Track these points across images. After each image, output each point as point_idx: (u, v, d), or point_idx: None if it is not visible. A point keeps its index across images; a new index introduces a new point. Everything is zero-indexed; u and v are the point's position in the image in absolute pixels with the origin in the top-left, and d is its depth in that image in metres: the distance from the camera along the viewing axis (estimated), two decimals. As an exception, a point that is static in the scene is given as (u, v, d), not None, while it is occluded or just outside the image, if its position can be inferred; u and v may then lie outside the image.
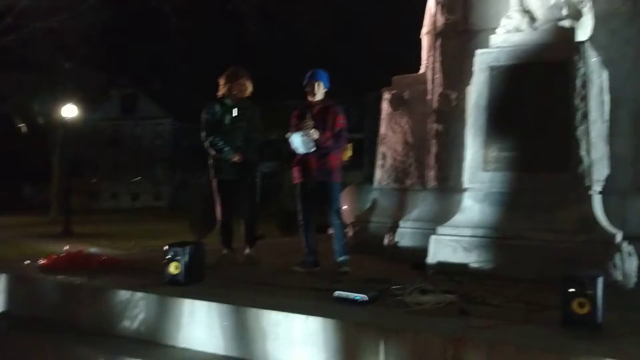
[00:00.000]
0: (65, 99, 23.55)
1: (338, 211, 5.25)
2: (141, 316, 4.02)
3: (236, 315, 3.70)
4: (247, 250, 5.73)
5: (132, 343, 3.96)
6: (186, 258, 4.35)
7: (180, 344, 3.87)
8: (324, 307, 3.69)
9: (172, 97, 47.13)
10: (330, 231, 5.54)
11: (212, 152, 5.64)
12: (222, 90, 5.71)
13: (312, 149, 5.09)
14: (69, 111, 23.26)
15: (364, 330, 3.33)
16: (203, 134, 5.65)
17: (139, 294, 4.09)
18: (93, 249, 5.71)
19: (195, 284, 4.36)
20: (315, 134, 5.06)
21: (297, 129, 5.17)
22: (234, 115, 5.62)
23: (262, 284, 4.46)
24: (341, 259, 5.16)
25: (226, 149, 5.54)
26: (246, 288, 4.30)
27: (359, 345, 3.28)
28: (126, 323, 4.08)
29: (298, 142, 5.10)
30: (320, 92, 5.21)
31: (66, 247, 5.65)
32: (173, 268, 4.36)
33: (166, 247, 4.46)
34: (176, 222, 18.74)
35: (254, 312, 3.67)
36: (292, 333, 3.49)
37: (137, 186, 48.79)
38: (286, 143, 5.23)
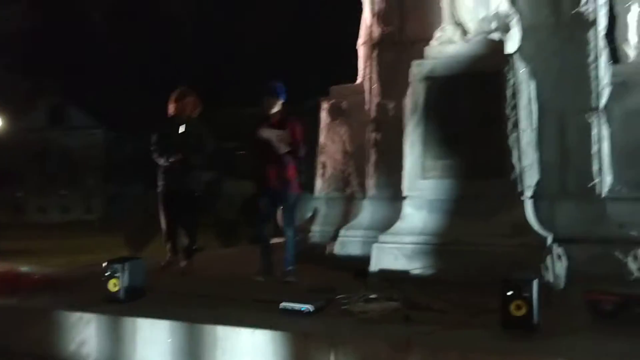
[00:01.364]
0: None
1: (293, 222, 5.38)
2: (79, 338, 3.87)
3: (182, 332, 3.63)
4: (183, 263, 5.94)
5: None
6: (126, 274, 4.23)
7: (122, 363, 3.76)
8: (270, 319, 3.68)
9: (104, 105, 45.70)
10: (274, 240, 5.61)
11: (160, 161, 5.93)
12: (171, 110, 6.02)
13: (284, 150, 5.19)
14: (-7, 122, 22.15)
15: (312, 341, 3.35)
16: (152, 149, 5.98)
17: (77, 314, 3.93)
18: (23, 268, 5.44)
19: (137, 300, 4.24)
20: (288, 137, 5.21)
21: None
22: (180, 131, 5.91)
23: (206, 297, 4.39)
24: (290, 268, 5.27)
25: (172, 155, 5.83)
26: (189, 302, 4.23)
27: (308, 355, 3.29)
28: (64, 345, 3.91)
29: (269, 136, 5.19)
30: (277, 105, 5.37)
31: (-6, 268, 5.37)
32: (112, 285, 4.23)
33: (105, 264, 4.32)
34: (109, 236, 18.15)
35: (200, 327, 3.62)
36: (240, 346, 3.47)
37: (66, 199, 46.94)
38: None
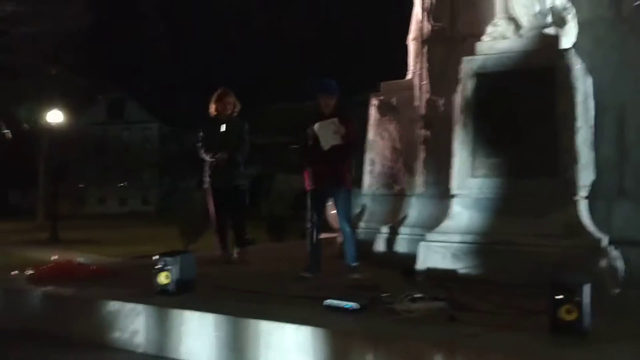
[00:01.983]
0: (51, 105, 23.40)
1: (349, 218, 5.43)
2: (132, 327, 4.01)
3: (228, 325, 3.71)
4: (236, 252, 6.32)
5: (121, 354, 3.95)
6: (177, 268, 4.35)
7: (171, 354, 3.87)
8: (315, 315, 3.71)
9: (159, 101, 46.97)
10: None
11: (207, 158, 6.28)
12: (212, 109, 6.38)
13: (335, 143, 5.16)
14: (55, 117, 23.12)
15: (353, 339, 3.35)
16: (199, 146, 6.35)
17: (130, 305, 4.07)
18: (81, 258, 5.67)
19: (186, 293, 4.35)
20: (342, 126, 5.16)
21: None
22: (222, 130, 6.25)
23: (254, 292, 4.46)
24: (354, 264, 5.32)
25: (216, 154, 6.19)
26: (237, 297, 4.30)
27: (349, 354, 3.30)
28: (116, 334, 4.07)
29: (324, 132, 5.18)
30: (331, 104, 5.38)
31: (54, 257, 5.62)
32: (163, 278, 4.35)
33: (156, 257, 4.45)
34: (164, 227, 18.66)
35: (245, 321, 3.68)
36: (284, 342, 3.50)
37: (124, 191, 48.52)
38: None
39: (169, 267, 4.33)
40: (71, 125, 30.65)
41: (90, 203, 48.11)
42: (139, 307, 4.04)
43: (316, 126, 5.25)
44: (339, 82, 5.53)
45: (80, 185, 47.35)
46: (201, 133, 6.38)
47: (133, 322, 4.02)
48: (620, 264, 4.77)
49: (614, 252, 4.75)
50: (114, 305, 4.14)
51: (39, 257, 11.39)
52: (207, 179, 6.33)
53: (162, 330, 3.93)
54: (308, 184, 5.45)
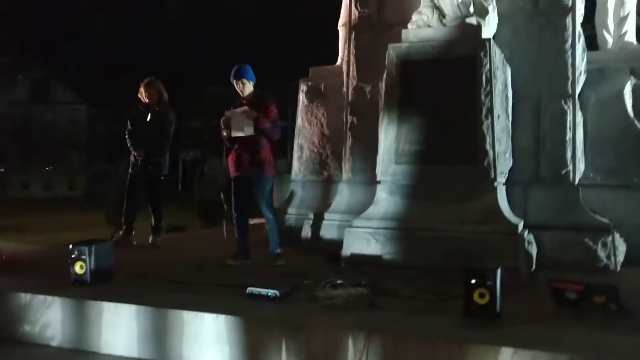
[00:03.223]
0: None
1: (270, 205, 5.39)
2: (43, 320, 3.83)
3: (146, 316, 3.61)
4: (151, 238, 6.51)
5: (34, 349, 3.77)
6: (92, 257, 4.19)
7: (89, 347, 3.72)
8: (236, 304, 3.67)
9: (87, 81, 45.06)
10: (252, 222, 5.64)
11: (131, 149, 6.52)
12: (140, 98, 6.52)
13: (251, 132, 5.14)
14: (-29, 96, 21.76)
15: (272, 327, 3.34)
16: (126, 137, 6.56)
17: (40, 297, 3.89)
18: (-6, 247, 5.38)
19: (103, 283, 4.21)
20: (253, 113, 5.15)
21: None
22: (147, 120, 6.40)
23: (175, 281, 4.37)
24: (277, 251, 5.34)
25: (137, 150, 6.42)
26: (157, 287, 4.20)
27: (268, 342, 3.29)
28: (27, 328, 3.88)
29: (237, 120, 5.15)
30: (247, 87, 5.36)
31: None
32: (78, 268, 4.19)
33: (71, 246, 4.27)
34: (91, 213, 18.02)
35: (164, 311, 3.59)
36: (203, 332, 3.45)
37: (49, 175, 46.50)
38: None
39: (83, 257, 4.16)
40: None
41: (12, 188, 45.82)
42: (51, 298, 3.86)
43: (228, 114, 5.26)
44: (265, 67, 5.47)
45: (0, 170, 45.01)
46: (128, 123, 6.56)
47: (44, 314, 3.85)
48: (534, 248, 4.98)
49: (529, 237, 4.95)
50: (24, 297, 3.94)
51: (-49, 245, 10.72)
52: (130, 166, 6.57)
53: (78, 322, 3.77)
54: (231, 172, 5.40)
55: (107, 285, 4.21)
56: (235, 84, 5.37)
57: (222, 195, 6.16)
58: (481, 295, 3.36)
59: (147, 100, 6.45)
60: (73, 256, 4.19)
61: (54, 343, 3.82)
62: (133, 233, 6.50)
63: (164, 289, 4.12)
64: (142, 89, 6.49)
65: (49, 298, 3.86)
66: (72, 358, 3.65)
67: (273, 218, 5.39)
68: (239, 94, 5.41)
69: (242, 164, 5.28)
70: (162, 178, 6.58)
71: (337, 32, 7.06)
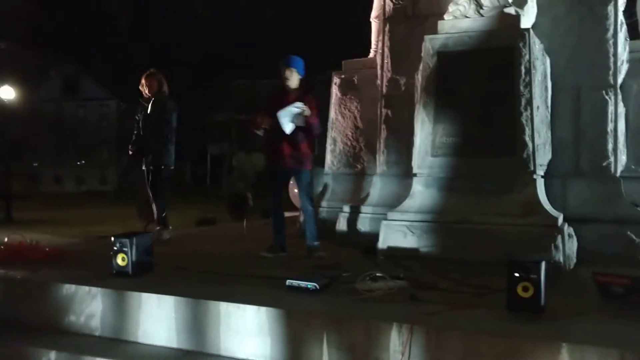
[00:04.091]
0: (2, 80, 22.51)
1: (310, 197, 5.39)
2: (88, 311, 3.90)
3: (187, 307, 3.64)
4: (157, 229, 6.33)
5: (78, 338, 3.85)
6: (133, 249, 4.25)
7: (128, 337, 3.78)
8: (276, 296, 3.69)
9: (117, 77, 45.67)
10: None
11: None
12: (141, 91, 6.53)
13: (297, 125, 5.14)
14: (6, 93, 22.27)
15: (313, 319, 3.34)
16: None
17: (85, 288, 3.96)
18: (34, 239, 5.48)
19: (144, 275, 4.27)
20: (307, 110, 5.11)
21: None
22: (148, 112, 6.40)
23: (213, 273, 4.41)
24: (315, 244, 5.31)
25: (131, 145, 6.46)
26: (197, 279, 4.24)
27: (309, 334, 3.29)
28: (72, 318, 3.95)
29: (289, 116, 5.11)
30: (294, 79, 5.28)
31: (6, 239, 5.42)
32: (120, 260, 4.25)
33: (112, 239, 4.34)
34: (123, 206, 18.32)
35: (204, 303, 3.62)
36: (245, 324, 3.46)
37: (81, 170, 47.36)
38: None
39: (125, 249, 4.23)
40: (24, 102, 29.62)
41: (46, 182, 46.82)
42: (95, 290, 3.93)
43: (281, 114, 5.14)
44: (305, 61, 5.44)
45: (34, 164, 45.98)
46: (137, 117, 6.53)
47: (89, 305, 3.92)
48: (574, 241, 4.89)
49: (569, 230, 4.86)
50: (69, 289, 4.02)
51: (-9, 238, 11.00)
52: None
53: (119, 313, 3.84)
54: (271, 164, 5.42)
55: (147, 277, 4.27)
56: (283, 72, 5.27)
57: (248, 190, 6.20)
58: (525, 289, 3.31)
59: (147, 91, 6.41)
60: (115, 248, 4.26)
61: (97, 333, 3.88)
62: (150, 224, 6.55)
63: (204, 281, 4.16)
64: (143, 81, 6.46)
65: (94, 289, 3.93)
66: (114, 347, 3.70)
67: (312, 210, 5.39)
68: (284, 84, 5.29)
69: (283, 157, 5.26)
70: (162, 167, 6.35)
71: (363, 25, 7.01)
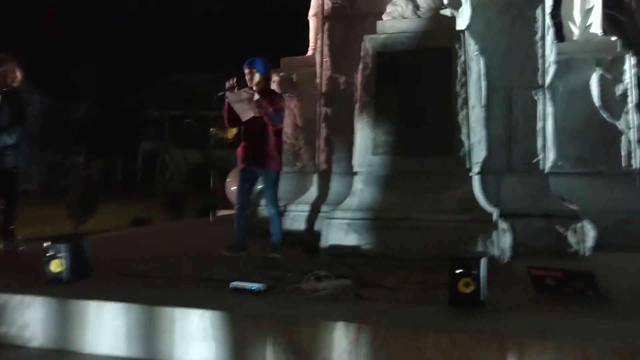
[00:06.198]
0: None
1: (275, 201, 5.32)
2: (21, 321, 3.72)
3: (130, 314, 3.53)
4: (2, 243, 5.49)
5: (13, 350, 3.66)
6: (70, 254, 4.07)
7: (72, 347, 3.62)
8: (221, 299, 3.64)
9: (42, 72, 43.60)
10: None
11: None
12: None
13: (250, 115, 5.08)
14: None
15: (260, 322, 3.32)
16: None
17: (17, 297, 3.77)
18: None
19: (82, 281, 4.10)
20: (257, 95, 5.06)
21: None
22: None
23: (155, 277, 4.30)
24: (277, 244, 5.25)
25: None
26: (138, 283, 4.12)
27: (256, 336, 3.27)
28: (3, 329, 3.75)
29: (239, 101, 5.06)
30: (255, 78, 5.22)
31: None
32: (55, 266, 4.06)
33: (46, 244, 4.14)
34: (50, 207, 17.52)
35: (148, 309, 3.52)
36: (190, 329, 3.40)
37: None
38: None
39: (60, 255, 4.04)
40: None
41: (-37, 181, 44.11)
42: (29, 299, 3.75)
43: (230, 97, 5.15)
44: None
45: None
46: None
47: (23, 314, 3.73)
48: (508, 236, 5.10)
49: (503, 225, 5.06)
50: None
51: None
52: None
53: (59, 322, 3.66)
54: (239, 163, 5.43)
55: (86, 283, 4.10)
56: (245, 73, 5.27)
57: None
58: (466, 285, 3.41)
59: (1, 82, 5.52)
60: (48, 254, 4.06)
61: (34, 344, 3.71)
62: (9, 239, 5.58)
63: (146, 285, 4.05)
64: None
65: (27, 298, 3.74)
66: (54, 359, 3.55)
67: (275, 213, 5.31)
68: (248, 85, 5.25)
69: (250, 157, 5.24)
70: (15, 170, 5.59)
71: (300, 22, 7.02)
